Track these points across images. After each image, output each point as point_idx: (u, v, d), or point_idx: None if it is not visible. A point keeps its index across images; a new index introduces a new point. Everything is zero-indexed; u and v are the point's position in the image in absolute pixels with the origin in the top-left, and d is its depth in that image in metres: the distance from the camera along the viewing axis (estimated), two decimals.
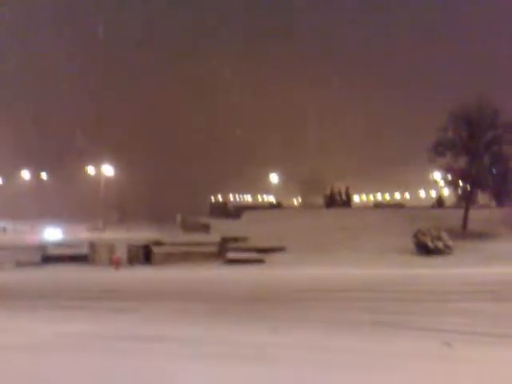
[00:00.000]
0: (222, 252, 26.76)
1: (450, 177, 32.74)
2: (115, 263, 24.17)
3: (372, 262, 23.30)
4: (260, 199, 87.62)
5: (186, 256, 26.33)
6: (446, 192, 45.83)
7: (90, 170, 67.04)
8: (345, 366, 7.03)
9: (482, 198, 34.78)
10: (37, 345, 8.10)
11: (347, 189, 50.66)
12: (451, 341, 8.92)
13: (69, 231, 46.22)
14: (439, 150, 31.61)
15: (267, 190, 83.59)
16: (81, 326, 10.31)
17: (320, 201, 53.93)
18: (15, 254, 26.24)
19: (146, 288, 17.64)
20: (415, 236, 26.12)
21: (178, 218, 54.92)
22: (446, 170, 32.44)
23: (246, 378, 6.16)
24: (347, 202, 48.80)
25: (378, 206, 55.57)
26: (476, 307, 12.88)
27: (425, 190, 79.56)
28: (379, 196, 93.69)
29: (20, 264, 24.75)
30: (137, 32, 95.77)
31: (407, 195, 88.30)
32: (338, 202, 47.53)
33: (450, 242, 25.75)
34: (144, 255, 26.54)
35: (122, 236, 34.87)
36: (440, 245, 25.48)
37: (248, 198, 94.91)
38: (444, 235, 25.85)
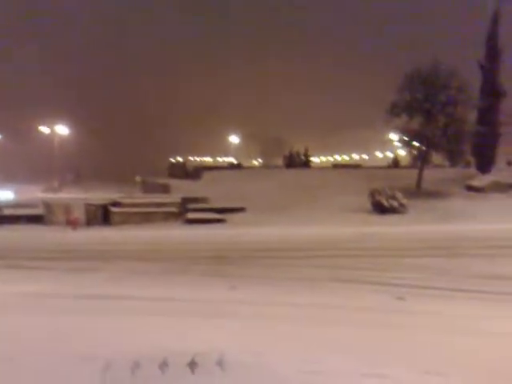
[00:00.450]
0: (182, 212, 26.66)
1: (405, 137, 33.33)
2: (72, 223, 23.76)
3: (329, 220, 23.73)
4: (220, 160, 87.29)
5: (145, 216, 26.12)
6: (401, 153, 46.76)
7: (44, 129, 64.74)
8: (303, 319, 7.26)
9: (437, 158, 35.66)
10: None
11: (306, 150, 50.93)
12: (405, 295, 9.32)
13: (24, 192, 44.98)
14: (395, 112, 32.00)
15: (227, 151, 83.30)
16: (39, 286, 10.21)
17: (280, 162, 54.12)
18: None
19: (105, 248, 17.49)
20: (371, 195, 26.65)
21: (138, 178, 54.21)
22: (402, 130, 32.97)
23: (203, 331, 6.29)
24: (306, 163, 49.09)
25: (336, 166, 56.29)
26: (429, 263, 13.40)
27: (382, 151, 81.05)
28: (338, 157, 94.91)
29: None
30: None
31: (365, 156, 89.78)
32: (297, 162, 47.77)
33: (405, 201, 26.42)
34: (102, 216, 26.13)
35: (80, 196, 34.19)
36: (395, 204, 26.11)
37: (208, 159, 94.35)
38: (399, 194, 26.47)
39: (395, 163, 50.23)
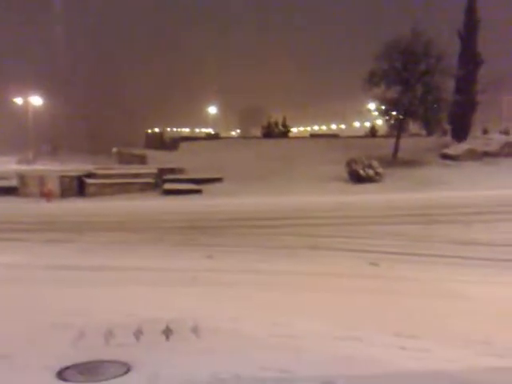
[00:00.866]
0: (158, 183, 26.46)
1: (383, 107, 33.40)
2: (46, 195, 23.40)
3: (307, 190, 23.82)
4: (198, 131, 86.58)
5: (121, 188, 25.83)
6: (379, 122, 46.91)
7: (18, 100, 63.12)
8: (278, 286, 7.32)
9: (414, 127, 35.87)
10: None
11: (284, 119, 50.56)
12: (379, 261, 9.45)
13: None
14: (373, 81, 31.96)
15: (205, 122, 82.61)
16: (13, 257, 10.07)
17: (258, 132, 53.80)
18: None
19: (81, 220, 17.31)
20: (348, 164, 26.78)
21: (114, 149, 53.47)
22: (380, 100, 33.00)
23: (177, 299, 6.30)
24: (285, 133, 48.84)
25: (313, 136, 56.22)
26: (404, 230, 13.57)
27: (359, 120, 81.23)
28: (316, 128, 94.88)
29: None
30: None
31: (343, 126, 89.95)
32: (275, 132, 47.50)
33: (381, 170, 26.63)
34: (78, 187, 25.75)
35: (55, 168, 33.60)
36: (371, 172, 26.29)
37: (186, 130, 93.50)
38: (375, 163, 26.64)
39: (372, 132, 50.33)
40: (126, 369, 4.02)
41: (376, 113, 37.26)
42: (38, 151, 64.10)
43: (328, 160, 29.64)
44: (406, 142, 32.87)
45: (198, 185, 25.81)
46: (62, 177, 25.78)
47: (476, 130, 39.84)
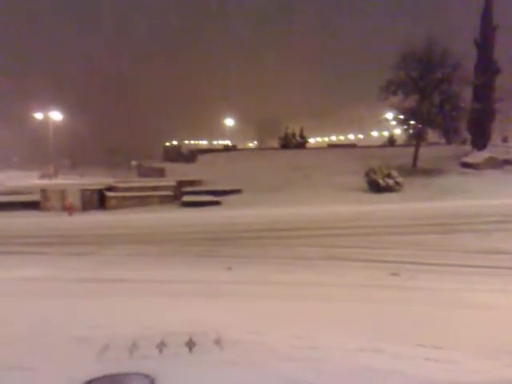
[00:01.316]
0: (177, 195, 26.65)
1: (400, 116, 33.27)
2: (68, 209, 23.72)
3: (325, 200, 23.75)
4: (216, 144, 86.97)
5: (141, 200, 26.10)
6: (397, 131, 46.68)
7: (38, 116, 64.22)
8: (299, 297, 7.29)
9: (432, 136, 35.63)
10: None
11: (301, 130, 50.61)
12: (400, 271, 9.36)
13: (20, 178, 44.90)
14: (390, 89, 31.91)
15: (223, 134, 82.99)
16: (35, 271, 10.19)
17: (275, 144, 53.84)
18: None
19: (101, 232, 17.48)
20: (367, 174, 26.68)
21: (133, 163, 54.06)
22: (397, 109, 32.89)
23: (198, 311, 6.31)
24: (302, 144, 48.84)
25: (331, 146, 56.14)
26: (424, 240, 13.46)
27: (377, 130, 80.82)
28: (333, 138, 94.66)
29: None
30: None
31: (361, 136, 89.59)
32: (292, 143, 47.52)
33: (400, 179, 26.46)
34: (98, 200, 26.09)
35: (75, 182, 34.13)
36: (390, 182, 26.14)
37: (204, 143, 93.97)
38: (394, 173, 26.50)
39: (391, 142, 50.11)
40: (150, 381, 4.03)
41: (394, 122, 37.12)
42: (59, 166, 65.06)
43: (346, 170, 29.55)
44: (425, 151, 32.64)
45: (216, 196, 25.92)
46: (83, 190, 26.11)
47: (496, 138, 39.39)
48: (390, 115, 38.60)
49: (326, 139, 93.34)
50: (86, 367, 4.35)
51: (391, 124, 42.05)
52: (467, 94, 33.05)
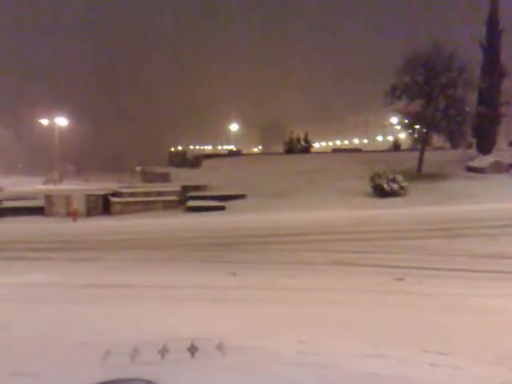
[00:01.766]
0: (182, 201, 26.66)
1: (405, 120, 33.21)
2: (72, 214, 23.75)
3: (330, 204, 23.69)
4: (220, 148, 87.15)
5: (145, 205, 26.12)
6: (402, 136, 46.60)
7: (44, 121, 64.57)
8: (304, 302, 7.25)
9: (438, 140, 35.52)
10: None
11: (306, 134, 50.59)
12: (405, 276, 9.31)
13: (25, 184, 45.08)
14: (395, 94, 31.88)
15: (227, 139, 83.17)
16: (41, 277, 10.20)
17: (280, 148, 53.85)
18: None
19: (106, 238, 17.49)
20: (371, 179, 26.61)
21: (138, 168, 54.18)
22: (403, 113, 32.84)
23: (203, 317, 6.28)
24: (307, 148, 48.82)
25: (336, 151, 56.11)
26: (429, 244, 13.40)
27: (382, 135, 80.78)
28: (338, 142, 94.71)
29: None
30: None
31: (365, 141, 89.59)
32: (297, 148, 47.49)
33: (405, 184, 26.38)
34: (103, 206, 26.12)
35: (80, 187, 34.24)
36: (395, 186, 26.06)
37: (209, 148, 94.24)
38: (399, 177, 26.42)
39: (396, 146, 50.02)
40: None
41: (399, 127, 37.06)
42: (64, 171, 65.30)
43: (351, 175, 29.51)
44: (430, 156, 32.56)
45: (221, 201, 25.91)
46: (88, 196, 26.16)
47: (501, 142, 39.24)
48: (394, 120, 38.55)
49: (331, 144, 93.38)
50: (89, 373, 4.33)
51: (396, 128, 41.98)
52: (473, 97, 32.97)
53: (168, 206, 26.44)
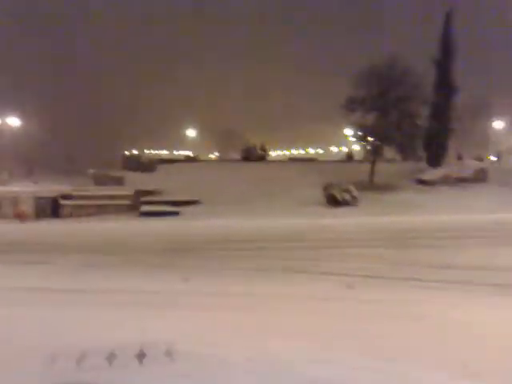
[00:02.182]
0: (135, 205, 26.27)
1: (359, 132, 33.91)
2: (20, 216, 23.01)
3: (284, 213, 23.89)
4: (177, 154, 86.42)
5: (97, 209, 25.57)
6: (356, 147, 47.55)
7: None
8: (254, 309, 7.28)
9: (389, 152, 36.37)
10: None
11: (263, 143, 51.05)
12: (355, 284, 9.48)
13: None
14: (351, 107, 32.51)
15: (184, 145, 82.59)
16: None
17: (237, 155, 54.02)
18: None
19: (55, 241, 16.99)
20: (325, 189, 27.03)
21: (91, 171, 52.98)
22: (357, 126, 33.52)
23: (153, 322, 6.21)
24: (263, 156, 49.17)
25: (292, 160, 56.71)
26: (380, 253, 13.68)
27: (337, 145, 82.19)
28: (294, 151, 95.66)
29: None
30: None
31: (320, 151, 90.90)
32: (254, 156, 47.74)
33: (357, 194, 26.93)
34: (52, 209, 25.41)
35: (30, 189, 33.08)
36: (347, 196, 26.57)
37: (165, 153, 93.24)
38: (351, 187, 26.95)
39: (349, 157, 51.00)
40: None
41: (353, 138, 37.79)
42: (14, 172, 63.18)
43: (306, 184, 29.86)
44: (381, 167, 33.33)
45: (175, 207, 25.69)
46: (37, 198, 25.40)
47: (451, 156, 40.60)
48: (349, 131, 39.30)
49: (287, 153, 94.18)
50: (34, 378, 4.22)
51: (350, 140, 42.81)
52: (424, 112, 34.01)
53: (121, 210, 25.99)
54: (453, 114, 35.88)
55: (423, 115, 33.73)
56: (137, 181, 31.28)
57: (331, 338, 5.66)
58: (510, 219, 20.49)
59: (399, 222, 21.08)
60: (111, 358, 4.79)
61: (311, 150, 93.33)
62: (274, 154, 79.33)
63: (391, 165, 37.44)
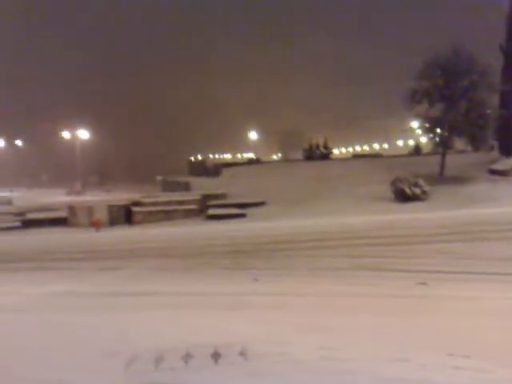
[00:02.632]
0: (202, 209, 26.82)
1: (426, 124, 32.92)
2: (95, 224, 24.08)
3: (351, 210, 23.56)
4: (240, 157, 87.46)
5: (166, 215, 26.36)
6: (423, 140, 46.18)
7: (65, 134, 65.85)
8: (326, 308, 7.23)
9: (459, 143, 35.12)
10: (21, 305, 8.11)
11: (325, 141, 50.48)
12: (428, 281, 9.20)
13: (48, 195, 45.80)
14: (416, 98, 31.64)
15: (247, 148, 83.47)
16: (65, 286, 10.32)
17: (299, 155, 53.83)
18: None
19: (128, 247, 17.64)
20: (393, 184, 26.39)
21: (158, 178, 54.67)
22: (423, 117, 32.56)
23: (226, 323, 6.30)
24: (326, 155, 48.66)
25: (356, 156, 55.88)
26: (452, 248, 13.22)
27: (403, 139, 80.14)
28: (358, 148, 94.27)
29: None
30: None
31: (386, 146, 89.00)
32: (317, 154, 47.37)
33: (427, 188, 26.11)
34: (125, 216, 26.44)
35: (102, 198, 34.67)
36: (417, 191, 25.82)
37: (228, 156, 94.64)
38: (421, 181, 26.17)
39: (417, 151, 49.58)
40: None
41: (420, 131, 36.75)
42: (86, 183, 66.26)
43: (372, 180, 29.32)
44: (452, 159, 32.18)
45: (241, 209, 25.98)
46: (110, 206, 26.49)
47: None
48: (415, 124, 38.23)
49: (351, 150, 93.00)
50: (114, 381, 4.38)
51: (417, 133, 41.62)
52: (494, 100, 32.54)
53: (189, 214, 26.62)
54: None
55: (493, 104, 32.28)
56: (203, 185, 31.90)
57: (405, 337, 5.52)
58: None
59: (472, 215, 20.26)
60: (187, 358, 4.89)
61: (376, 146, 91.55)
62: (337, 151, 78.48)
63: (462, 156, 36.11)
